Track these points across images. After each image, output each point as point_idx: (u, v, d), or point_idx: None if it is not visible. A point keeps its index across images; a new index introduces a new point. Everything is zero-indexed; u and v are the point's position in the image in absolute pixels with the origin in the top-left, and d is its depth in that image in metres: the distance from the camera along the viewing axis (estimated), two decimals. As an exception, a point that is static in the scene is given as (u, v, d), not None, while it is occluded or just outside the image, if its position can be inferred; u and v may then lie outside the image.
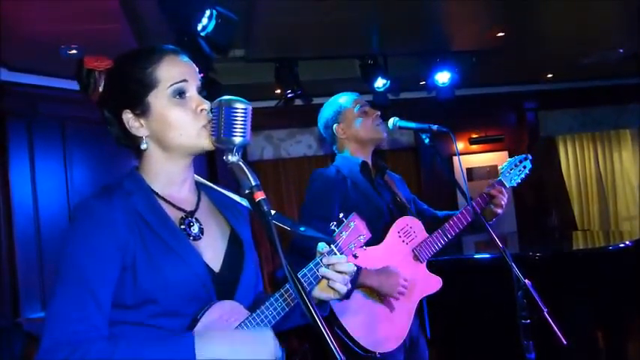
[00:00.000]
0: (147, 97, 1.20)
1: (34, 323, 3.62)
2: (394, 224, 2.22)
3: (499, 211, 2.25)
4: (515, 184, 2.33)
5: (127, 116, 1.22)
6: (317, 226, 2.00)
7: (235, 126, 1.11)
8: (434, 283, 2.24)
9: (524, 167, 2.34)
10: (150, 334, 1.13)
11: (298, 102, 4.87)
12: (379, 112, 2.36)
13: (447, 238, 2.23)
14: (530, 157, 2.36)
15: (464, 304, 3.52)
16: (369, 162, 2.36)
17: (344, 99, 2.39)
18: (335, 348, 0.91)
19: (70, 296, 1.09)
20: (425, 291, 2.23)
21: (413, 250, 2.23)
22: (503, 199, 2.24)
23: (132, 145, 1.26)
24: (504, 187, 2.27)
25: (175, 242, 1.18)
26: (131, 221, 1.16)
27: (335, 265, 1.28)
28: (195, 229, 1.25)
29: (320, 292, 1.33)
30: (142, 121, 1.22)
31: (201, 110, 1.20)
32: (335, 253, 1.32)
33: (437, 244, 2.24)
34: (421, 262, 2.23)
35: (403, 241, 2.22)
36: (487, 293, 3.38)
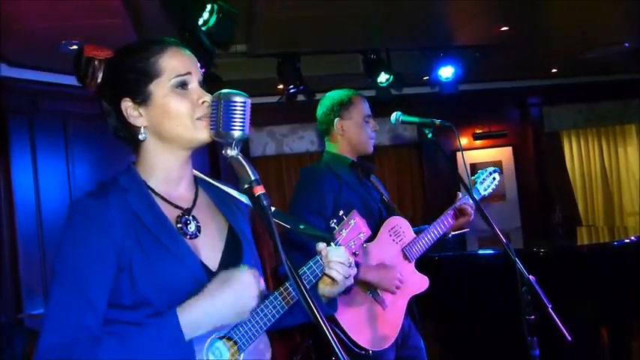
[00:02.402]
0: (148, 86, 1.19)
1: (36, 319, 3.63)
2: (385, 223, 2.24)
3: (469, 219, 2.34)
4: (487, 195, 2.43)
5: (126, 104, 1.20)
6: (311, 221, 2.01)
7: (234, 119, 1.09)
8: (422, 283, 2.26)
9: (494, 179, 2.46)
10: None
11: (301, 98, 4.85)
12: (378, 127, 2.40)
13: (435, 238, 2.29)
14: (498, 170, 2.51)
15: (468, 300, 3.50)
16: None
17: (356, 99, 2.35)
18: (336, 345, 0.90)
19: (63, 298, 1.08)
20: (414, 290, 2.25)
21: (402, 250, 2.26)
22: (471, 215, 2.33)
23: (129, 137, 1.24)
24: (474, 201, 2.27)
25: (172, 242, 1.16)
26: (127, 221, 1.14)
27: (329, 254, 1.28)
28: (192, 227, 1.23)
29: (323, 287, 1.32)
30: (141, 111, 1.20)
31: (202, 102, 1.19)
32: None
33: (425, 244, 2.28)
34: (410, 262, 2.26)
35: (393, 240, 2.25)
36: (491, 289, 3.36)
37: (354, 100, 2.34)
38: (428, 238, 2.28)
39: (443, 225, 2.31)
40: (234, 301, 1.11)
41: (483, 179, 2.44)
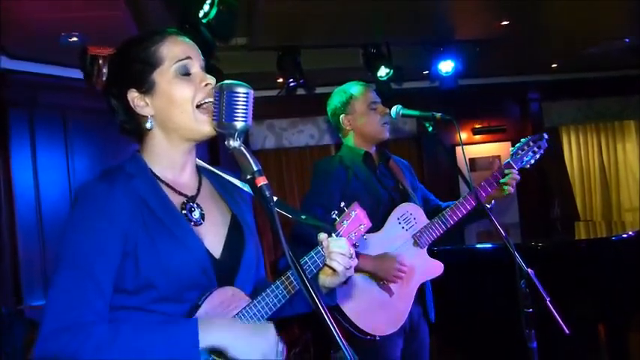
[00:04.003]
0: (152, 75, 1.21)
1: (36, 311, 3.64)
2: (393, 211, 2.25)
3: (510, 190, 2.19)
4: (528, 166, 2.22)
5: (133, 95, 1.22)
6: (318, 215, 2.02)
7: (237, 110, 1.09)
8: (435, 268, 2.26)
9: (539, 147, 2.21)
10: (152, 319, 1.13)
11: (301, 91, 4.84)
12: (388, 110, 2.36)
13: (448, 224, 2.24)
14: (546, 135, 2.22)
15: (466, 294, 3.51)
16: (373, 152, 2.40)
17: (356, 90, 2.40)
18: (337, 333, 0.90)
19: (71, 282, 1.08)
20: (425, 276, 2.25)
21: (413, 236, 2.25)
22: (512, 185, 2.19)
23: (136, 129, 1.25)
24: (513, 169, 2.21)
25: (177, 227, 1.18)
26: (134, 206, 1.15)
27: (330, 245, 1.28)
28: (196, 214, 1.24)
29: (324, 278, 1.33)
30: (147, 100, 1.21)
31: (206, 85, 1.20)
32: None
33: (437, 231, 2.24)
34: (421, 248, 2.26)
35: (403, 227, 2.25)
36: (489, 282, 3.38)
37: (353, 93, 2.39)
38: (441, 224, 2.23)
39: (459, 210, 2.22)
40: (247, 348, 1.12)
41: (521, 150, 2.21)
